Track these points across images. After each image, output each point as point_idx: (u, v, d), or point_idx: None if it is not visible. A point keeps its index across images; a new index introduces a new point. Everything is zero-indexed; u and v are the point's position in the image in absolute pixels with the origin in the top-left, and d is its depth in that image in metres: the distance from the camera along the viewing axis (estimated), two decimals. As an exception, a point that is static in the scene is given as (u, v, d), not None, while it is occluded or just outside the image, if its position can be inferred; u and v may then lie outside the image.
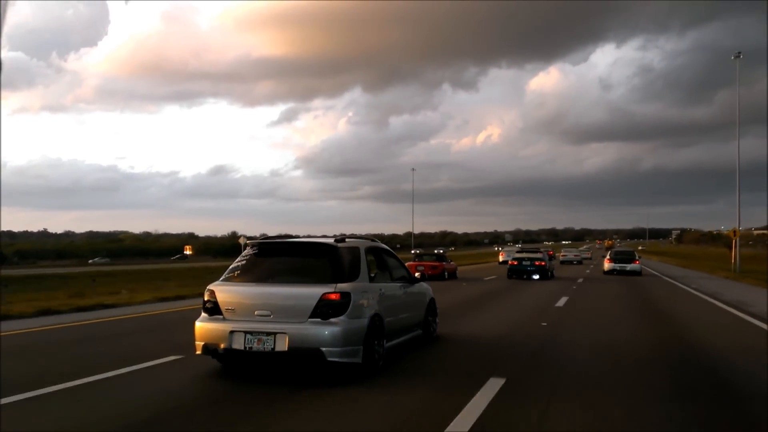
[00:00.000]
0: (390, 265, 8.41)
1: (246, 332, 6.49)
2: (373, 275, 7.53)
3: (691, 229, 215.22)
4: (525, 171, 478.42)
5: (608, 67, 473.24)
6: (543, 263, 27.21)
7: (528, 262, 27.16)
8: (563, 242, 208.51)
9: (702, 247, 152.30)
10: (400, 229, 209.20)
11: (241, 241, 72.66)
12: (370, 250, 7.79)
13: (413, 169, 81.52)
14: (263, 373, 6.85)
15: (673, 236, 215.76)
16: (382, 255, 8.34)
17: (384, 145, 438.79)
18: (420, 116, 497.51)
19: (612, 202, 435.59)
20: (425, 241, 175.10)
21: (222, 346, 6.57)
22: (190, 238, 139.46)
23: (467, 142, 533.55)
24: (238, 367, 7.04)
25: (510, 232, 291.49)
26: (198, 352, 6.83)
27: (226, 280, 7.06)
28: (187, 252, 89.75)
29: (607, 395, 5.98)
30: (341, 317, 6.45)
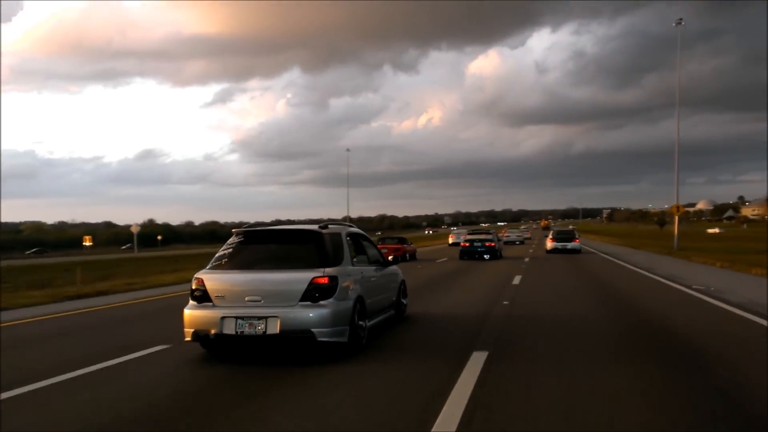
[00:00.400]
0: (366, 249, 8.80)
1: (237, 317, 6.76)
2: (354, 259, 7.92)
3: (620, 208, 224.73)
4: (465, 153, 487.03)
5: (544, 52, 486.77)
6: (493, 244, 28.70)
7: (479, 244, 28.58)
8: (499, 223, 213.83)
9: (632, 224, 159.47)
10: (339, 214, 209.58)
11: (133, 229, 70.54)
12: (349, 235, 8.16)
13: (348, 150, 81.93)
14: (250, 356, 7.14)
15: (604, 215, 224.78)
16: (359, 239, 8.71)
17: (324, 127, 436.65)
18: (361, 98, 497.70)
19: (547, 183, 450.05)
20: (363, 225, 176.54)
21: (213, 331, 6.81)
22: (107, 227, 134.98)
23: (408, 125, 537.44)
24: (225, 352, 7.31)
25: (450, 215, 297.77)
26: (187, 339, 7.04)
27: (214, 268, 7.28)
28: (87, 243, 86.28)
29: (579, 361, 6.59)
30: (330, 300, 6.81)
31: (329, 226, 7.77)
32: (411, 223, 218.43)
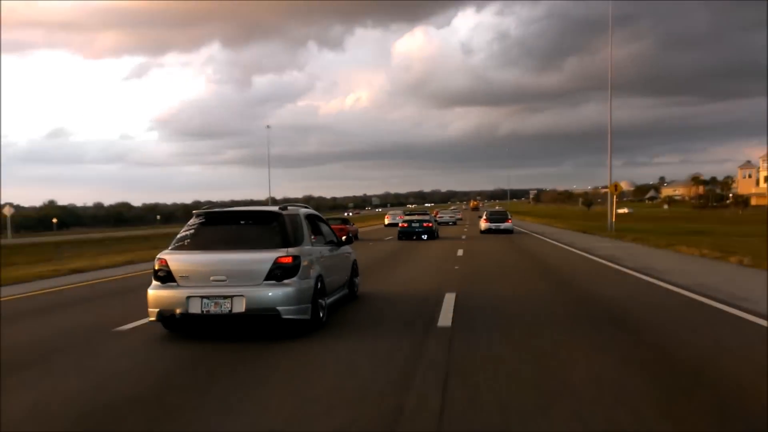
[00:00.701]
0: (322, 230, 9.12)
1: (203, 297, 6.94)
2: (312, 240, 8.24)
3: (546, 189, 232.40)
4: (393, 135, 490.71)
5: (469, 32, 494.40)
6: (431, 225, 29.99)
7: (417, 224, 29.76)
8: (427, 204, 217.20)
9: (559, 205, 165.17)
10: (264, 194, 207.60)
11: (6, 212, 66.86)
12: (306, 216, 8.46)
13: (268, 127, 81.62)
14: (213, 335, 7.37)
15: (531, 196, 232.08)
16: (315, 220, 9.00)
17: (248, 105, 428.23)
18: (286, 76, 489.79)
19: (475, 165, 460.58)
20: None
21: (178, 311, 6.98)
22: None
23: (336, 105, 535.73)
24: (189, 330, 7.51)
25: (378, 196, 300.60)
26: (151, 319, 7.17)
27: (176, 248, 7.42)
28: None
29: (536, 328, 7.19)
30: (293, 278, 7.09)
31: (288, 207, 8.05)
32: (338, 204, 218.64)
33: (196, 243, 7.46)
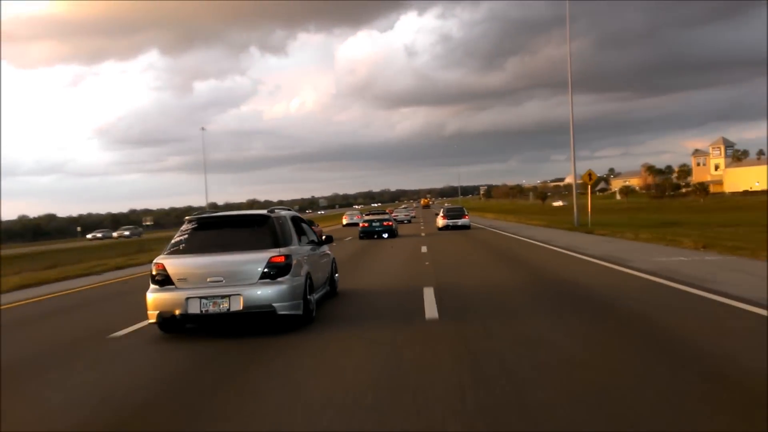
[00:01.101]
0: (305, 231, 9.62)
1: (201, 297, 7.33)
2: (299, 240, 8.76)
3: (497, 184, 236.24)
4: (341, 136, 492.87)
5: (413, 35, 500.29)
6: (390, 223, 31.02)
7: (377, 224, 30.70)
8: (374, 205, 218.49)
9: (512, 200, 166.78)
10: (216, 200, 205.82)
11: None
12: (291, 218, 8.96)
13: (203, 129, 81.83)
14: (212, 333, 7.80)
15: (482, 192, 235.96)
16: (298, 222, 9.49)
17: (190, 112, 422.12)
18: (228, 81, 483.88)
19: (423, 163, 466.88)
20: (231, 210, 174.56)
21: (177, 312, 7.34)
22: None
23: (281, 109, 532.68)
24: (186, 331, 7.91)
25: (327, 197, 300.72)
26: (151, 321, 7.55)
27: (172, 253, 7.81)
28: None
29: (515, 314, 7.92)
30: (286, 276, 7.57)
31: (275, 210, 8.55)
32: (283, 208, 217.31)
33: (191, 247, 7.86)
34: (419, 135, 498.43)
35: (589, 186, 31.01)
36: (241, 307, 7.31)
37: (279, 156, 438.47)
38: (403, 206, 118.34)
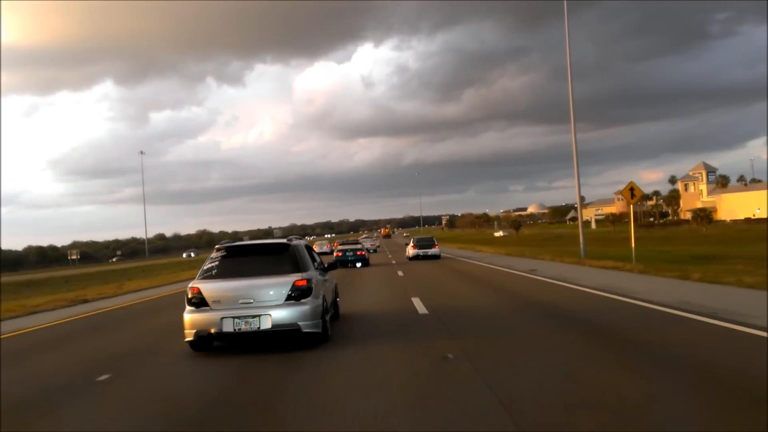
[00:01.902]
0: (315, 258, 10.89)
1: (234, 317, 8.52)
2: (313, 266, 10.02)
3: (458, 214, 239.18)
4: (298, 167, 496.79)
5: (369, 66, 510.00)
6: (363, 253, 32.86)
7: (351, 253, 32.36)
8: (328, 235, 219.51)
9: (479, 229, 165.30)
10: (168, 231, 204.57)
11: None
12: (305, 247, 10.24)
13: (142, 152, 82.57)
14: (241, 349, 8.97)
15: (444, 222, 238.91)
16: (310, 250, 10.76)
17: (145, 142, 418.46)
18: (184, 112, 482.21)
19: (382, 194, 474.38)
20: (182, 242, 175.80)
21: (213, 330, 8.50)
22: None
23: (239, 139, 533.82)
24: (209, 348, 9.06)
25: (284, 228, 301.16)
26: (188, 339, 8.66)
27: (205, 278, 8.98)
28: None
29: (504, 333, 9.39)
30: (309, 298, 8.81)
31: (293, 239, 9.82)
32: (238, 238, 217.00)
33: (221, 272, 9.07)
34: (377, 165, 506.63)
35: (631, 206, 23.75)
36: (270, 326, 8.52)
37: (236, 186, 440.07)
38: (364, 236, 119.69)
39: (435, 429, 4.94)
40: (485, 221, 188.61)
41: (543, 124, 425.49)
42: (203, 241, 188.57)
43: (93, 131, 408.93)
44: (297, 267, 9.10)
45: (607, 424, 4.81)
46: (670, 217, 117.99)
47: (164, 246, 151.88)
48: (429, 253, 36.79)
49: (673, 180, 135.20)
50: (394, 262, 33.97)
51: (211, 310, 8.65)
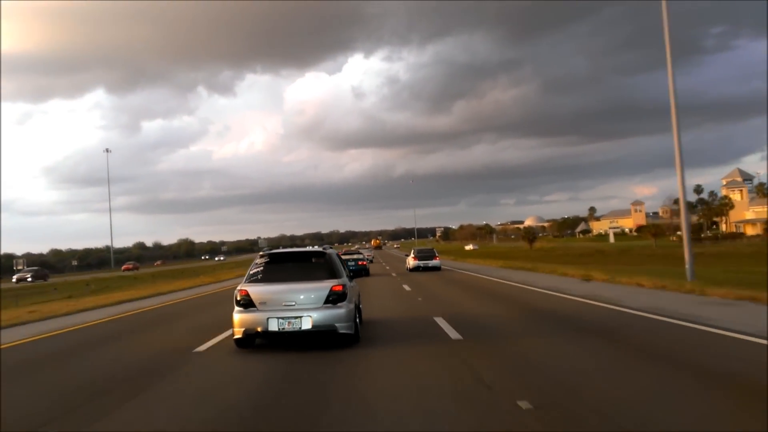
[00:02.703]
0: (344, 266, 12.21)
1: (279, 318, 9.78)
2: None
3: (458, 225, 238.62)
4: (289, 177, 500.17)
5: (360, 77, 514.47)
6: (365, 263, 34.52)
7: (353, 263, 33.44)
8: (321, 247, 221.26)
9: (481, 241, 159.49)
10: (165, 240, 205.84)
11: None
12: (337, 255, 11.59)
13: (107, 150, 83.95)
14: (282, 347, 10.26)
15: (438, 234, 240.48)
16: (340, 258, 12.09)
17: (137, 151, 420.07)
18: (176, 121, 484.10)
19: (372, 205, 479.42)
20: (163, 252, 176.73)
21: (259, 329, 9.75)
22: None
23: (229, 149, 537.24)
24: (252, 346, 10.30)
25: (273, 238, 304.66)
26: (238, 336, 9.88)
27: (252, 282, 10.28)
28: None
29: (517, 337, 10.74)
30: (344, 302, 10.09)
31: (327, 248, 11.18)
32: (215, 248, 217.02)
33: (266, 277, 10.37)
34: (368, 177, 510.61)
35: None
36: (310, 326, 9.79)
37: (228, 196, 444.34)
38: (355, 246, 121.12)
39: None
40: (487, 233, 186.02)
41: (534, 137, 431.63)
42: (182, 250, 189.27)
43: (86, 139, 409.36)
44: (333, 273, 10.43)
45: None
46: (718, 229, 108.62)
47: (138, 255, 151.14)
48: (430, 265, 38.25)
49: (699, 190, 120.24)
50: (394, 274, 34.87)
51: (258, 310, 9.92)
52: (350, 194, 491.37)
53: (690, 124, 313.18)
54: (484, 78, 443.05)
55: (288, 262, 10.97)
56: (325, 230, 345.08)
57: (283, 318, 9.82)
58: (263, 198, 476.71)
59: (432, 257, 39.34)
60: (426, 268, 38.11)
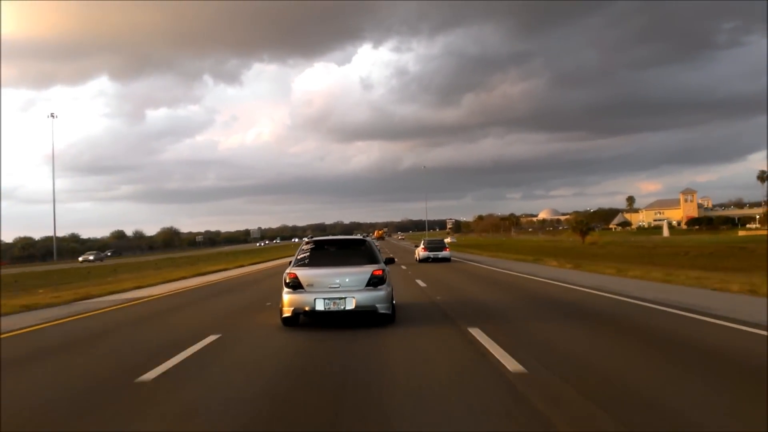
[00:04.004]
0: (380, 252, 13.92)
1: (325, 299, 11.57)
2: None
3: (479, 216, 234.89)
4: (295, 168, 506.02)
5: (368, 68, 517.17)
6: None
7: None
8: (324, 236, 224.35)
9: (507, 234, 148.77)
10: (157, 229, 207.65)
11: None
12: (374, 243, 13.30)
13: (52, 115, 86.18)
14: (324, 325, 11.99)
15: (449, 226, 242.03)
16: (376, 245, 13.81)
17: (142, 140, 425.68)
18: (181, 110, 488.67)
19: (380, 198, 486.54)
20: (145, 241, 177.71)
21: (307, 308, 11.58)
22: None
23: (236, 139, 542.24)
24: (296, 325, 12.05)
25: (275, 229, 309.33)
26: (287, 315, 11.75)
27: (300, 266, 12.06)
28: None
29: (517, 321, 12.71)
30: (383, 285, 11.90)
31: (367, 236, 12.90)
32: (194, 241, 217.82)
33: (312, 261, 12.21)
34: (375, 169, 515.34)
35: None
36: (354, 307, 11.57)
37: (231, 187, 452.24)
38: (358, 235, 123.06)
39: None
40: (513, 224, 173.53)
41: (542, 132, 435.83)
42: (160, 240, 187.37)
43: (90, 127, 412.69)
44: (373, 259, 12.19)
45: None
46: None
47: (105, 246, 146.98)
48: (439, 256, 40.76)
49: (763, 176, 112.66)
50: (404, 267, 35.39)
51: (306, 292, 11.70)
52: (357, 186, 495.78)
53: (698, 121, 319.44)
54: (493, 71, 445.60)
55: (331, 248, 12.72)
56: (329, 221, 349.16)
57: (329, 299, 11.56)
58: (268, 189, 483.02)
59: (441, 249, 41.77)
60: (436, 259, 40.43)
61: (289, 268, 12.16)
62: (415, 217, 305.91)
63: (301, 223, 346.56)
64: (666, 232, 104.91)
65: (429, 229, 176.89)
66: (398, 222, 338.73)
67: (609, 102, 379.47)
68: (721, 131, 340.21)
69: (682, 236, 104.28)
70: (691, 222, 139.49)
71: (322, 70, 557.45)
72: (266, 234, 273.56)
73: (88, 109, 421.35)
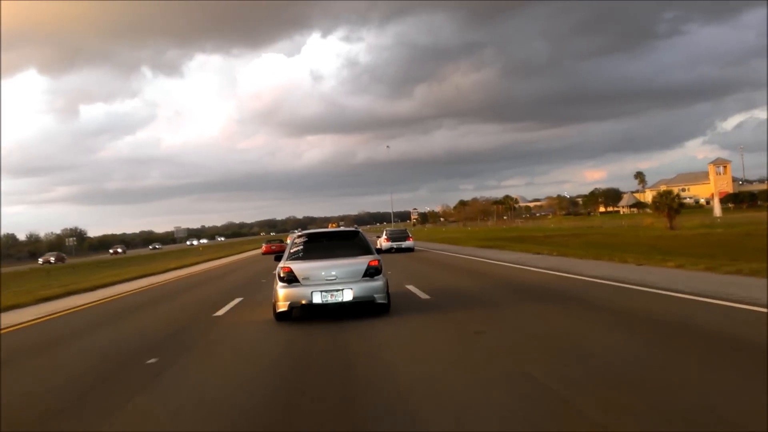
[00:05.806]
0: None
1: (322, 291, 12.21)
2: (374, 251, 13.85)
3: (473, 198, 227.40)
4: (245, 165, 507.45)
5: (318, 59, 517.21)
6: None
7: None
8: (272, 234, 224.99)
9: (501, 222, 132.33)
10: (108, 232, 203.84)
11: None
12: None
13: None
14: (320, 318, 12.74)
15: (413, 218, 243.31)
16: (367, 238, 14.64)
17: (77, 138, 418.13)
18: (119, 105, 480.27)
19: (335, 192, 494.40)
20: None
21: (304, 302, 12.17)
22: None
23: (181, 135, 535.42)
24: (289, 319, 12.66)
25: (219, 227, 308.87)
26: (282, 310, 12.26)
27: (293, 259, 12.73)
28: None
29: (495, 307, 13.59)
30: (380, 276, 12.60)
31: (358, 229, 13.71)
32: (127, 240, 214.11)
33: (306, 255, 12.92)
34: (328, 163, 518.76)
35: None
36: (351, 298, 12.24)
37: (177, 185, 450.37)
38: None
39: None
40: (509, 209, 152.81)
41: (494, 123, 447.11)
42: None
43: (18, 125, 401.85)
44: (367, 250, 13.02)
45: None
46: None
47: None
48: (403, 246, 42.65)
49: None
50: None
51: (302, 285, 12.35)
52: (310, 182, 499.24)
53: (639, 109, 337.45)
54: (446, 61, 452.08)
55: (323, 241, 13.56)
56: (280, 217, 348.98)
57: (326, 291, 12.25)
58: (219, 186, 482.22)
59: (405, 238, 43.54)
60: (399, 249, 42.08)
61: (282, 262, 12.83)
62: (373, 210, 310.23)
63: (249, 220, 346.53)
64: (717, 211, 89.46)
65: (386, 221, 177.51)
66: (356, 215, 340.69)
67: (555, 92, 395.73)
68: (660, 119, 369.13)
69: (739, 214, 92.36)
70: (726, 199, 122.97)
71: (269, 60, 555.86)
72: (205, 233, 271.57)
73: (15, 106, 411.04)
